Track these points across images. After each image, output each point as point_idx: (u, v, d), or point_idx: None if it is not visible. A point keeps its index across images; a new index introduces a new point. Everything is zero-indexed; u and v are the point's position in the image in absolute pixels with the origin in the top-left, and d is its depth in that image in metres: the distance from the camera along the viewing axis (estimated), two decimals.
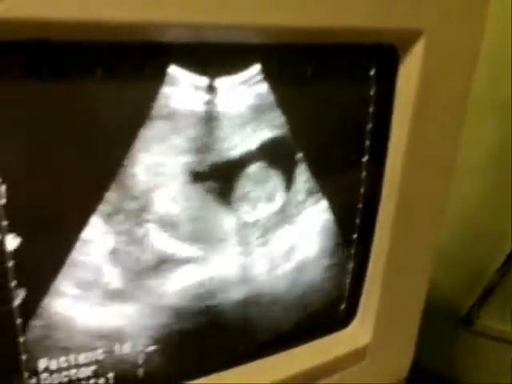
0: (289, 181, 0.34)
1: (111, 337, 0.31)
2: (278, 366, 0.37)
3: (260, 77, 0.30)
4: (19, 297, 0.27)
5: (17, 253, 0.26)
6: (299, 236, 0.35)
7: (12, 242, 0.26)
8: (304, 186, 0.34)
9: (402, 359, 0.44)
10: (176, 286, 0.32)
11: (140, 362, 0.32)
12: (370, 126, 0.35)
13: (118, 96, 0.27)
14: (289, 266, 0.36)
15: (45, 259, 0.27)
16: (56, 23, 0.22)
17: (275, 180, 0.33)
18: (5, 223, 0.25)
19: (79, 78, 0.26)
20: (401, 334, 0.43)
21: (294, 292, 0.37)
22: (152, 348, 0.32)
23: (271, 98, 0.31)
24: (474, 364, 0.65)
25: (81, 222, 0.28)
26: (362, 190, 0.37)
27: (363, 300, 0.39)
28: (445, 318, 0.64)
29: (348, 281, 0.39)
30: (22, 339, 0.28)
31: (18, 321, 0.27)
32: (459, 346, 0.66)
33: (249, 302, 0.35)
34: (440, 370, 0.65)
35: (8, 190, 0.25)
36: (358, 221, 0.37)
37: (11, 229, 0.26)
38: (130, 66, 0.27)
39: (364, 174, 0.36)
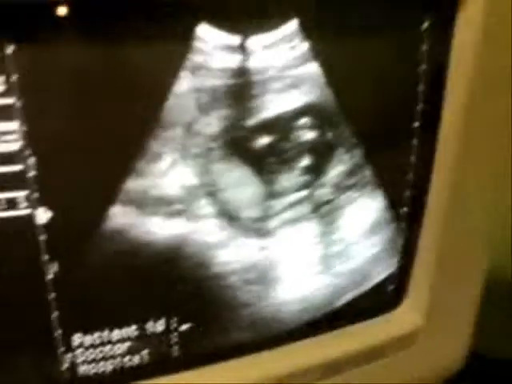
0: (331, 149, 0.31)
1: (144, 313, 0.30)
2: (321, 348, 0.35)
3: (298, 34, 0.28)
4: (51, 271, 0.26)
5: (48, 226, 0.26)
6: (345, 210, 0.33)
7: (43, 215, 0.25)
8: (348, 155, 0.32)
9: (457, 347, 0.41)
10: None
11: (174, 340, 0.31)
12: (421, 87, 0.32)
13: (144, 58, 0.25)
14: (335, 242, 0.34)
15: (77, 231, 0.27)
16: None
17: (315, 149, 0.31)
18: (36, 195, 0.25)
19: (106, 39, 0.24)
20: (456, 318, 0.40)
21: (340, 271, 0.35)
22: (187, 326, 0.31)
23: (311, 57, 0.29)
24: None
25: (112, 192, 0.27)
26: (412, 160, 0.34)
27: (414, 279, 0.37)
28: (506, 302, 0.61)
29: (398, 259, 0.37)
30: (55, 314, 0.27)
31: (51, 295, 0.27)
32: None
33: (294, 281, 0.33)
34: (500, 356, 0.62)
35: (38, 162, 0.24)
36: (408, 193, 0.35)
37: (42, 202, 0.25)
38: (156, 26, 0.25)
39: (415, 141, 0.34)
